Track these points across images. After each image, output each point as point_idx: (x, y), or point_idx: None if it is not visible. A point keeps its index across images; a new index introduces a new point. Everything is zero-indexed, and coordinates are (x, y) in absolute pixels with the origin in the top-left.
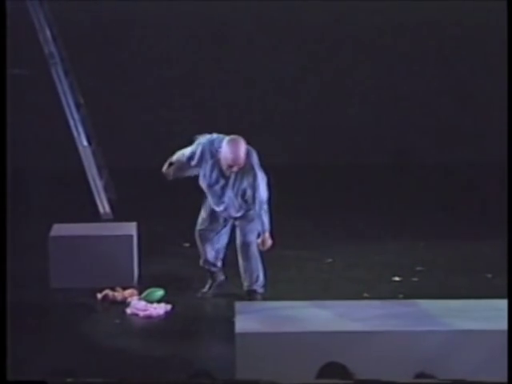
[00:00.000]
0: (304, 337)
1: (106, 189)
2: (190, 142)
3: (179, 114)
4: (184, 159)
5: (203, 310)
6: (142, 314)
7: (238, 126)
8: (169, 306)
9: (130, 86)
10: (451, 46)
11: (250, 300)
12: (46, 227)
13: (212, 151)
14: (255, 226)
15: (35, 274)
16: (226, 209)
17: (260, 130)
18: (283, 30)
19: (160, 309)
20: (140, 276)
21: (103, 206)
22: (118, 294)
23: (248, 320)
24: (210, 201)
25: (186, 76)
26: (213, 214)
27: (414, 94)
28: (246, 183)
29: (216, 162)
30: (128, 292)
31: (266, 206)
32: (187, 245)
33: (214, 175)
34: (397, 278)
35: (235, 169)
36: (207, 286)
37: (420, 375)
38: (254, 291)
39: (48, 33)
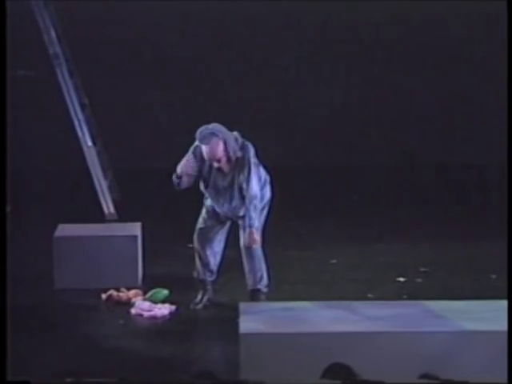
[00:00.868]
0: (308, 337)
1: (110, 189)
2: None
3: (183, 114)
4: (189, 160)
5: (207, 311)
6: (146, 314)
7: (239, 126)
8: (173, 307)
9: (135, 86)
10: (452, 46)
11: (253, 300)
12: (51, 227)
13: (201, 152)
14: (259, 225)
15: (40, 274)
16: (232, 209)
17: (261, 130)
18: (284, 30)
19: (164, 309)
20: (144, 276)
21: (108, 207)
22: (123, 295)
23: (252, 320)
24: (214, 203)
25: (189, 76)
26: (214, 213)
27: (416, 94)
28: (241, 177)
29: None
30: (132, 292)
31: (256, 202)
32: (191, 245)
33: (213, 175)
34: (401, 279)
35: (222, 164)
36: (198, 298)
37: (424, 376)
38: (258, 290)
39: (53, 33)
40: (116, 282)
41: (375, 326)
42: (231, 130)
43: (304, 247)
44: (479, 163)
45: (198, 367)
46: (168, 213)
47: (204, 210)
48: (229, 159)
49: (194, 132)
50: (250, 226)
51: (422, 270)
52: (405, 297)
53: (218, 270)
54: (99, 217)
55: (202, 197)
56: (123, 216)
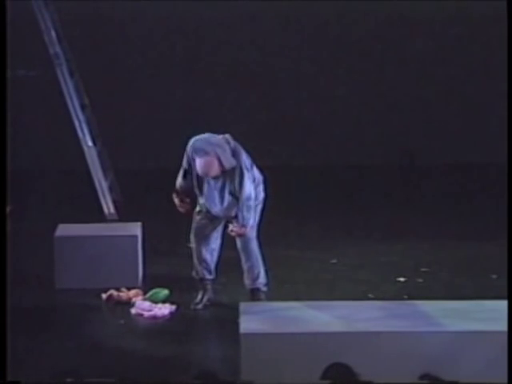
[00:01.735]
0: (308, 337)
1: (110, 189)
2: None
3: (184, 115)
4: (182, 181)
5: (208, 311)
6: (146, 314)
7: (242, 126)
8: (173, 307)
9: (136, 86)
10: (453, 46)
11: (253, 299)
12: (51, 227)
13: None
14: (254, 223)
15: (40, 274)
16: (223, 210)
17: (263, 130)
18: (284, 30)
19: (165, 309)
20: (145, 276)
21: (108, 207)
22: (123, 295)
23: (252, 321)
24: (207, 204)
25: (190, 77)
26: (208, 211)
27: (417, 94)
28: (235, 183)
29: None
30: (133, 292)
31: (250, 203)
32: (191, 245)
33: (206, 180)
34: (401, 279)
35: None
36: (198, 298)
37: (425, 376)
38: (258, 289)
39: (53, 34)
40: (116, 281)
41: (375, 326)
42: (237, 130)
43: (305, 247)
44: (481, 163)
45: (198, 367)
46: (168, 213)
47: (198, 209)
48: (222, 171)
49: (195, 133)
50: (244, 226)
51: (423, 270)
52: (405, 297)
53: (217, 268)
54: (100, 217)
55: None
56: (123, 216)
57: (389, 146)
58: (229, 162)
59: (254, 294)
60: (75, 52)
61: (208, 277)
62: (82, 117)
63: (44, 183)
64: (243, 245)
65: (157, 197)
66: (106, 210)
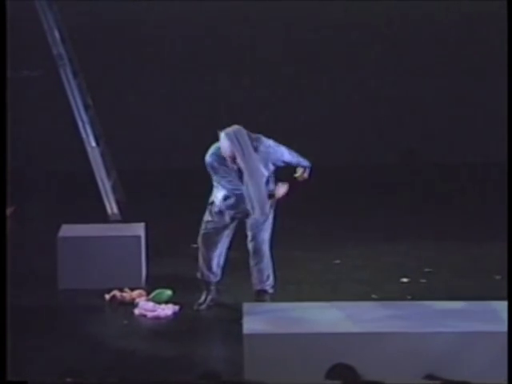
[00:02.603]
0: (312, 338)
1: (114, 190)
2: (196, 143)
3: (187, 115)
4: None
5: (211, 311)
6: (150, 314)
7: (244, 127)
8: (177, 307)
9: (139, 87)
10: (453, 46)
11: (258, 300)
12: (55, 228)
13: (218, 159)
14: (268, 225)
15: (43, 274)
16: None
17: (266, 130)
18: (284, 30)
19: (168, 309)
20: (148, 277)
21: (111, 207)
22: (126, 295)
23: (256, 321)
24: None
25: (193, 78)
26: (220, 216)
27: (417, 95)
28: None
29: (225, 163)
30: (136, 293)
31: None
32: (195, 245)
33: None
34: (405, 280)
35: (238, 160)
36: (202, 299)
37: (428, 377)
38: (264, 291)
39: (57, 34)
40: (119, 282)
41: (379, 326)
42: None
43: (308, 248)
44: (489, 163)
45: (201, 368)
46: (171, 213)
47: (207, 213)
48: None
49: (197, 133)
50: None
51: (426, 270)
52: (409, 297)
53: (222, 271)
54: (103, 217)
55: (205, 197)
56: (127, 216)
57: (390, 147)
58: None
59: (259, 295)
60: (78, 52)
61: (213, 280)
62: (85, 117)
63: (48, 183)
64: (256, 246)
65: (160, 197)
66: (109, 211)
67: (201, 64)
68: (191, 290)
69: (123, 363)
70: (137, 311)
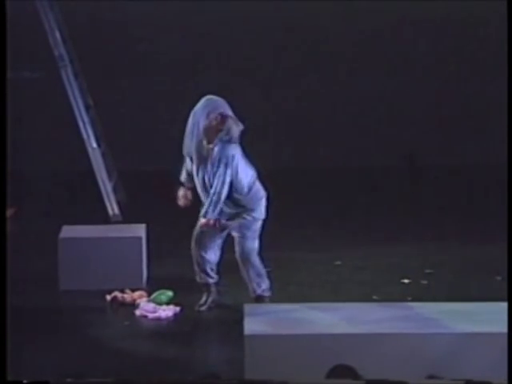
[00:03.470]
0: (313, 339)
1: (115, 190)
2: None
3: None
4: (188, 167)
5: (212, 312)
6: (150, 315)
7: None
8: (178, 308)
9: (140, 88)
10: (453, 46)
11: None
12: (56, 229)
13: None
14: (255, 234)
15: (44, 275)
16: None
17: (265, 132)
18: (283, 30)
19: (169, 310)
20: (149, 278)
21: (112, 208)
22: (127, 296)
23: (257, 322)
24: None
25: (193, 79)
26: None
27: (417, 96)
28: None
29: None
30: (137, 294)
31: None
32: (192, 252)
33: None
34: (406, 281)
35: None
36: (203, 300)
37: (429, 378)
38: (260, 296)
39: (58, 35)
40: (120, 283)
41: (380, 327)
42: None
43: (309, 249)
44: (490, 164)
45: (202, 369)
46: (172, 214)
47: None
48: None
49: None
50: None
51: (427, 271)
52: (410, 298)
53: (218, 272)
54: (104, 218)
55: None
56: (128, 217)
57: (393, 148)
58: None
59: (257, 300)
60: (80, 53)
61: (211, 281)
62: (86, 118)
63: (49, 184)
64: (244, 257)
65: (161, 198)
66: (110, 212)
67: (201, 64)
68: (192, 291)
69: (124, 364)
70: (138, 312)
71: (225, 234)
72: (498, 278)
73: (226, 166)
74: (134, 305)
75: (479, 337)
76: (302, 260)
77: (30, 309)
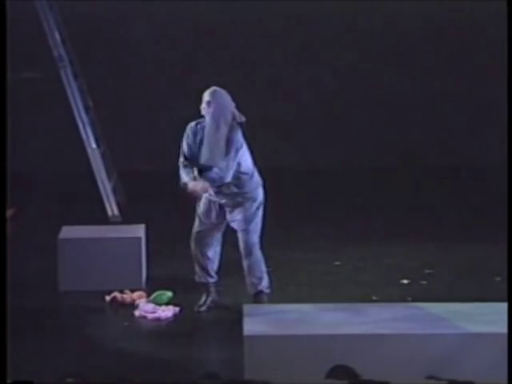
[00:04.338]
0: (312, 340)
1: (114, 191)
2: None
3: (188, 116)
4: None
5: (211, 313)
6: (150, 316)
7: (245, 126)
8: (177, 309)
9: (140, 88)
10: (453, 46)
11: (256, 301)
12: (55, 230)
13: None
14: (257, 227)
15: (44, 276)
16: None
17: (266, 132)
18: (285, 30)
19: (168, 311)
20: (148, 278)
21: (112, 209)
22: (127, 297)
23: (256, 323)
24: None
25: (193, 79)
26: (207, 217)
27: (417, 96)
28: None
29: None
30: (136, 294)
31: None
32: (191, 251)
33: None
34: (405, 281)
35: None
36: (202, 300)
37: (429, 379)
38: (261, 292)
39: (57, 35)
40: (120, 283)
41: (379, 328)
42: None
43: (308, 249)
44: (489, 165)
45: (202, 369)
46: (172, 215)
47: (197, 218)
48: None
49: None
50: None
51: (427, 272)
52: (409, 299)
53: (218, 272)
54: (103, 219)
55: None
56: (127, 218)
57: (393, 148)
58: None
59: (256, 297)
60: (79, 54)
61: (210, 280)
62: (85, 119)
63: (48, 185)
64: (247, 250)
65: (160, 199)
66: (109, 212)
67: (201, 64)
68: (191, 291)
69: (123, 364)
70: (137, 313)
71: (223, 227)
72: (498, 278)
73: (237, 151)
74: (133, 305)
75: (479, 337)
76: (301, 260)
77: (30, 309)
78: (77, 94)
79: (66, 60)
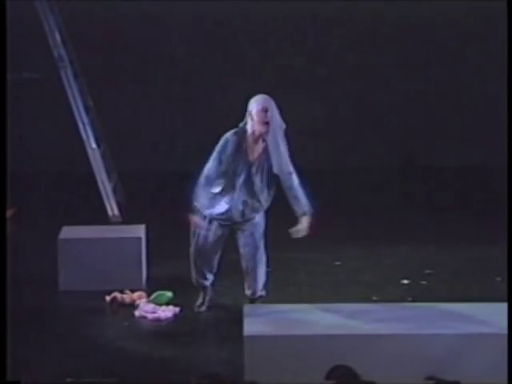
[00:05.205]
0: (312, 340)
1: (114, 191)
2: (197, 144)
3: (188, 117)
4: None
5: (211, 313)
6: (150, 316)
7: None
8: (177, 309)
9: (140, 88)
10: (453, 46)
11: (252, 302)
12: (55, 230)
13: (238, 138)
14: (262, 230)
15: (44, 276)
16: (245, 206)
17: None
18: (285, 30)
19: (168, 311)
20: (148, 278)
21: (112, 209)
22: (127, 297)
23: (256, 323)
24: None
25: (193, 80)
26: (208, 224)
27: (417, 96)
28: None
29: (240, 150)
30: (136, 294)
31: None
32: (191, 258)
33: (239, 165)
34: (405, 281)
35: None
36: (200, 301)
37: (429, 379)
38: (261, 297)
39: (57, 36)
40: (120, 284)
41: (379, 328)
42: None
43: (308, 249)
44: (489, 165)
45: (202, 369)
46: (172, 214)
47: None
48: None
49: (199, 134)
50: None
51: (427, 272)
52: (409, 299)
53: (216, 273)
54: (103, 219)
55: None
56: (127, 218)
57: (394, 148)
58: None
59: (253, 302)
60: (79, 54)
61: (206, 283)
62: (86, 119)
63: (48, 185)
64: (252, 255)
65: (161, 199)
66: (109, 212)
67: (201, 65)
68: (191, 291)
69: (123, 364)
70: (137, 313)
71: (225, 235)
72: (498, 278)
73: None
74: (133, 305)
75: (478, 337)
76: (301, 260)
77: (30, 309)
78: (77, 94)
79: (66, 60)
